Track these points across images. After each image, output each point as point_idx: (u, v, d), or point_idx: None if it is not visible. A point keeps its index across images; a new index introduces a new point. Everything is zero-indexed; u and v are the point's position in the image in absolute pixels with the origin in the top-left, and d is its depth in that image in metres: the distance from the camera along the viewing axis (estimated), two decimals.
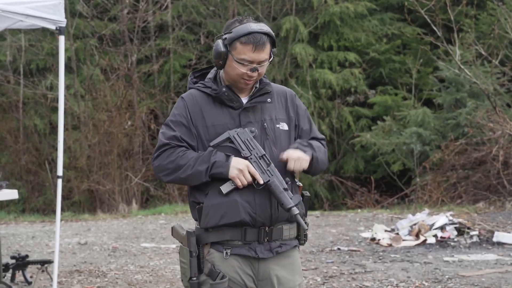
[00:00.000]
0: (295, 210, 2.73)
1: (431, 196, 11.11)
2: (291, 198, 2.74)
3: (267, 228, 2.80)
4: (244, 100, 2.88)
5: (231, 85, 2.87)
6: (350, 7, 14.01)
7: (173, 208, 11.45)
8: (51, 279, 5.75)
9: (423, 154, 12.15)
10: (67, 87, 13.45)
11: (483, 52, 11.35)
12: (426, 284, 6.02)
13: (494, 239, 7.65)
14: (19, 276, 6.29)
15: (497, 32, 11.50)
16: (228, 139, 2.80)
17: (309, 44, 14.14)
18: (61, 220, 6.53)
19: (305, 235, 2.92)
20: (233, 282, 2.79)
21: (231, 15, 13.86)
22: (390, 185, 13.26)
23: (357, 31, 14.46)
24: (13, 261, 6.23)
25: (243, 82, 2.83)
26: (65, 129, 12.75)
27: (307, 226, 2.91)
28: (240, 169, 2.74)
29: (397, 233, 7.98)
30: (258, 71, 2.81)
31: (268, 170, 2.76)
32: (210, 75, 2.92)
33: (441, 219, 8.06)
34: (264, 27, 2.80)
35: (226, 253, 2.80)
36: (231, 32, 2.79)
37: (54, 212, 8.46)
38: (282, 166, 2.83)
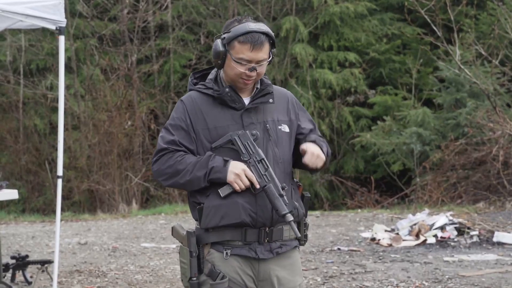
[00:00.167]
0: (289, 217, 2.72)
1: (431, 196, 11.11)
2: (286, 204, 2.73)
3: (267, 228, 2.80)
4: (246, 101, 2.87)
5: (233, 86, 2.86)
6: (350, 7, 14.00)
7: (173, 208, 11.45)
8: (51, 279, 5.75)
9: (423, 154, 12.15)
10: (67, 87, 13.45)
11: (483, 52, 11.35)
12: (426, 284, 6.02)
13: (494, 239, 7.65)
14: (19, 276, 6.28)
15: (497, 32, 11.50)
16: (230, 141, 2.80)
17: (309, 44, 14.14)
18: (61, 220, 6.53)
19: (305, 236, 2.92)
20: (233, 283, 2.79)
21: (231, 15, 13.85)
22: (390, 185, 13.26)
23: (357, 31, 14.46)
24: (13, 261, 6.22)
25: (241, 82, 2.82)
26: (65, 129, 12.74)
27: (306, 227, 2.92)
28: (237, 173, 2.74)
29: (397, 233, 7.97)
30: (256, 70, 2.80)
31: (265, 174, 2.76)
32: (211, 75, 2.92)
33: (441, 219, 8.06)
34: (263, 26, 2.80)
35: (226, 253, 2.80)
36: (229, 32, 2.79)
37: (54, 212, 8.45)
38: (283, 170, 2.83)
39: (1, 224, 10.35)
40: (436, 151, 11.84)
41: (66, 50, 7.80)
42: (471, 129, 11.35)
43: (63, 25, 5.43)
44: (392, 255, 7.19)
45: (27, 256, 6.30)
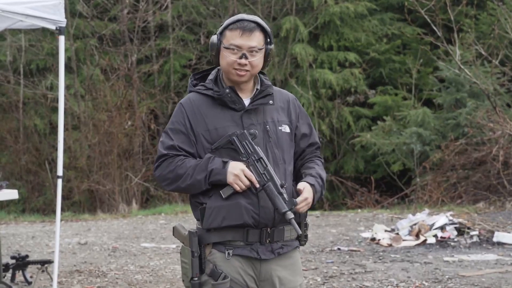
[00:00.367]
0: (290, 215, 2.71)
1: (431, 196, 11.11)
2: (286, 202, 2.73)
3: (269, 229, 2.80)
4: (246, 102, 2.87)
5: (233, 86, 2.86)
6: (350, 7, 14.01)
7: (173, 208, 11.45)
8: (51, 279, 5.75)
9: (423, 154, 12.15)
10: (67, 87, 13.45)
11: (483, 52, 11.35)
12: (426, 284, 6.02)
13: (494, 239, 7.65)
14: (19, 276, 6.28)
15: (497, 32, 11.50)
16: (229, 142, 2.80)
17: (309, 44, 14.14)
18: (61, 220, 6.53)
19: (306, 236, 2.92)
20: (234, 283, 2.79)
21: (231, 15, 13.84)
22: (390, 185, 13.26)
23: (357, 31, 14.46)
24: (13, 261, 6.22)
25: (234, 73, 2.82)
26: (65, 129, 12.75)
27: (306, 227, 2.92)
28: (236, 174, 2.74)
29: (397, 233, 7.97)
30: (247, 59, 2.80)
31: (264, 173, 2.76)
32: (211, 76, 2.92)
33: (441, 219, 8.06)
34: (255, 18, 2.83)
35: (228, 253, 2.80)
36: (223, 24, 2.83)
37: (54, 212, 8.45)
38: (283, 171, 2.83)
39: (1, 224, 10.35)
40: (436, 151, 11.84)
41: (66, 50, 7.80)
42: (471, 129, 11.36)
43: (63, 25, 5.43)
44: (392, 255, 7.19)
45: (27, 256, 6.30)
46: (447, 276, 6.24)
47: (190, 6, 14.48)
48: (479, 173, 11.16)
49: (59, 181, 5.57)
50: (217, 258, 2.81)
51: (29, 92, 14.13)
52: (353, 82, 13.79)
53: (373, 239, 7.95)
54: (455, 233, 7.85)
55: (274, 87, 2.95)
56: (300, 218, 2.86)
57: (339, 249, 7.60)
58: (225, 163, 2.77)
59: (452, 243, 7.62)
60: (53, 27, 5.41)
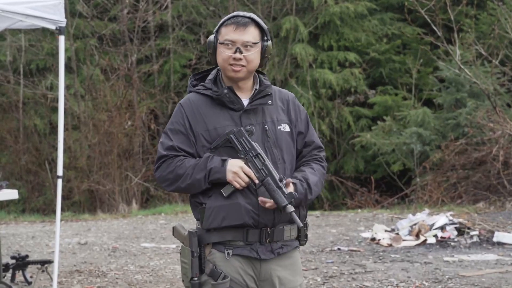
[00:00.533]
0: (290, 208, 2.71)
1: (431, 196, 11.11)
2: (285, 196, 2.72)
3: (269, 229, 2.80)
4: (245, 102, 2.88)
5: (232, 86, 2.86)
6: (350, 7, 14.01)
7: (173, 208, 11.45)
8: (51, 279, 5.75)
9: (423, 154, 12.15)
10: (67, 87, 13.45)
11: (483, 52, 11.35)
12: (426, 284, 6.02)
13: (494, 239, 7.65)
14: (19, 276, 6.28)
15: (497, 32, 11.51)
16: (227, 140, 2.81)
17: (309, 44, 14.14)
18: (61, 220, 6.53)
19: (305, 236, 2.92)
20: (234, 283, 2.79)
21: None
22: (390, 185, 13.26)
23: (357, 31, 14.46)
24: (13, 261, 6.22)
25: (230, 69, 2.82)
26: (65, 129, 12.75)
27: (306, 227, 2.91)
28: (234, 171, 2.74)
29: (397, 233, 7.97)
30: (242, 53, 2.80)
31: (262, 168, 2.76)
32: (211, 76, 2.93)
33: (441, 219, 8.06)
34: (251, 14, 2.84)
35: (228, 253, 2.80)
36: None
37: (54, 212, 8.46)
38: (283, 170, 2.83)
39: (1, 224, 10.35)
40: (436, 151, 11.84)
41: (66, 50, 7.80)
42: (471, 129, 11.36)
43: (63, 25, 5.43)
44: (392, 255, 7.19)
45: (27, 256, 6.30)
46: (447, 276, 6.24)
47: (190, 6, 14.48)
48: (479, 173, 11.16)
49: (59, 181, 5.57)
50: (217, 258, 2.80)
51: (29, 92, 14.13)
52: (353, 82, 13.79)
53: (373, 239, 7.95)
54: (455, 233, 7.85)
55: (273, 86, 2.96)
56: (301, 217, 2.84)
57: (339, 249, 7.60)
58: (223, 161, 2.77)
59: (452, 243, 7.62)
60: (53, 27, 5.41)
